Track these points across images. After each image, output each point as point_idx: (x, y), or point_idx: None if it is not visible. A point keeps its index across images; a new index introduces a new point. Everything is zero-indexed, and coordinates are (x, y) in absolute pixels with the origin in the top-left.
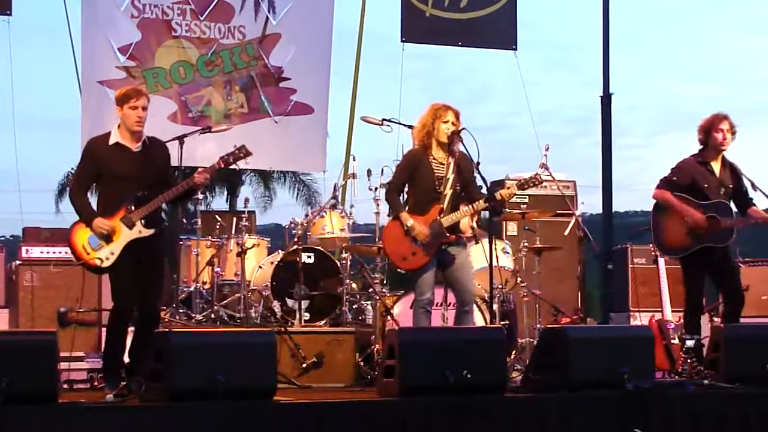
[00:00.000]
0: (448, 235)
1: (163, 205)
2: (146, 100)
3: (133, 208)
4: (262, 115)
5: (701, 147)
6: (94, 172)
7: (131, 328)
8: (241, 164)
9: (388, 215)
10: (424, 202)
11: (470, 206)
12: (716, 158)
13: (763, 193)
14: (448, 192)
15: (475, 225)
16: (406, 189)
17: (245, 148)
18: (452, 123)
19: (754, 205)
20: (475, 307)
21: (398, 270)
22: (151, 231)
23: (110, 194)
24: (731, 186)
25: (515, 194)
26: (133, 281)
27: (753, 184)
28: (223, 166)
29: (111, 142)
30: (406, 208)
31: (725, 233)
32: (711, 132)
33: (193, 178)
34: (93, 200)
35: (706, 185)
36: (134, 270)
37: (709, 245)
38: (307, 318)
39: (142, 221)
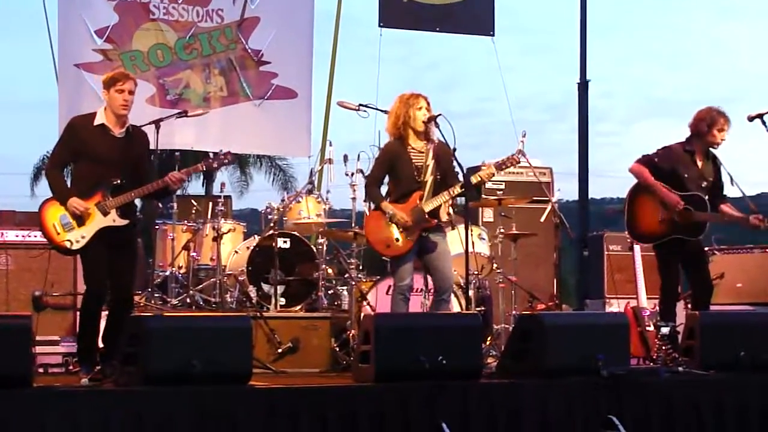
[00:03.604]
0: (429, 219)
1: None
2: (133, 84)
3: (109, 196)
4: (243, 99)
5: (691, 136)
6: (73, 151)
7: (105, 313)
8: (223, 148)
9: (364, 201)
10: (405, 191)
11: (448, 191)
12: (703, 151)
13: (740, 190)
14: (429, 179)
15: (451, 211)
16: (387, 181)
17: (230, 154)
18: (426, 109)
19: (727, 202)
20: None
21: (383, 257)
22: (125, 221)
23: (86, 175)
24: (711, 179)
25: (494, 174)
26: (106, 265)
27: (731, 179)
28: (205, 169)
29: (95, 123)
30: (388, 199)
31: (697, 227)
32: (711, 129)
33: (170, 179)
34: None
35: (686, 175)
36: (106, 255)
37: (681, 236)
38: (282, 303)
39: (118, 211)
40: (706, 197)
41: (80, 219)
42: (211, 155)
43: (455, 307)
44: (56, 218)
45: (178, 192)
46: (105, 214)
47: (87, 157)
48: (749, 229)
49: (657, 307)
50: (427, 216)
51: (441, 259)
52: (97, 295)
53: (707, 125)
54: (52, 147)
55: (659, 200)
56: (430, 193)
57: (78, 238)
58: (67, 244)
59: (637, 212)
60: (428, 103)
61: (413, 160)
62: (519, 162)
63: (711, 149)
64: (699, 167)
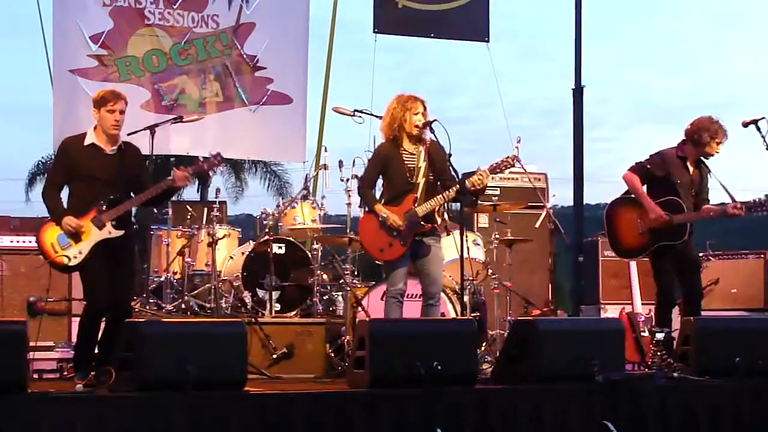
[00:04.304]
0: (423, 224)
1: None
2: (124, 103)
3: (104, 208)
4: (238, 104)
5: (686, 142)
6: (66, 172)
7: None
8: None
9: (360, 206)
10: (398, 194)
11: (443, 194)
12: (694, 158)
13: (724, 187)
14: (421, 181)
15: (446, 217)
16: (381, 184)
17: (220, 156)
18: (422, 114)
19: (708, 204)
20: (446, 298)
21: (376, 261)
22: (120, 232)
23: (81, 194)
24: (699, 185)
25: (489, 176)
26: (105, 278)
27: (723, 187)
28: (198, 172)
29: (86, 142)
30: (382, 201)
31: (679, 230)
32: (712, 141)
33: (174, 179)
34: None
35: (679, 181)
36: (105, 268)
37: (666, 243)
38: (277, 309)
39: (113, 222)
40: (692, 202)
41: (76, 236)
42: (201, 158)
43: (450, 312)
44: (54, 238)
45: (173, 197)
46: (100, 227)
47: (81, 177)
48: (729, 218)
49: (652, 313)
50: (420, 221)
51: (432, 263)
52: (97, 308)
53: (709, 136)
54: (49, 165)
55: (637, 212)
56: (423, 194)
57: (75, 254)
58: (65, 260)
59: (617, 229)
60: (425, 108)
61: (406, 162)
62: (513, 164)
63: (702, 158)
64: (690, 173)
